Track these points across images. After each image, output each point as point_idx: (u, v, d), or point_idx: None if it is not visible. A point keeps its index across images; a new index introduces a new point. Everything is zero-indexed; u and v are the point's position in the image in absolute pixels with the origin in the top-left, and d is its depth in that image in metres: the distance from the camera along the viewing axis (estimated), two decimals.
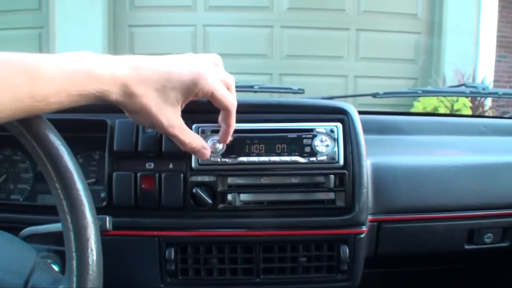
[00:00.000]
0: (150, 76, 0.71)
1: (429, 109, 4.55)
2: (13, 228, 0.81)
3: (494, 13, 5.36)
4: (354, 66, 5.18)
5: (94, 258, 0.65)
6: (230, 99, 0.80)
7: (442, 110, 4.48)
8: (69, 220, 0.65)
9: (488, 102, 4.76)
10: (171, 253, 0.97)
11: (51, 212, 0.99)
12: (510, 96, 1.45)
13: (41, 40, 5.20)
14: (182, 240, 0.97)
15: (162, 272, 0.98)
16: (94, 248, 0.65)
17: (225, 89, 0.79)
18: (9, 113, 0.58)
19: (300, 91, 1.41)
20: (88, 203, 0.66)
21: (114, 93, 0.68)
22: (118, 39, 5.19)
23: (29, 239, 0.85)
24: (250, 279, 1.00)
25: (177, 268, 0.98)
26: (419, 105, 4.57)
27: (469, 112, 4.53)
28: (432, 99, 4.44)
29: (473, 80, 4.88)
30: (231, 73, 0.82)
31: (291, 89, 1.41)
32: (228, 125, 0.85)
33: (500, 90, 1.42)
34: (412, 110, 4.65)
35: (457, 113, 4.44)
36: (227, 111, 0.82)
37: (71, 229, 0.65)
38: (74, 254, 0.65)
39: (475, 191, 1.13)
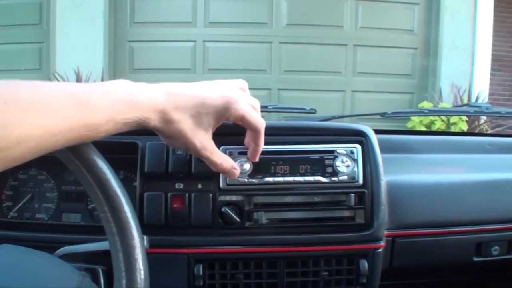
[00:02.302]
0: (186, 102, 0.74)
1: (425, 122, 4.61)
2: (39, 247, 0.83)
3: (489, 29, 5.44)
4: (351, 81, 5.25)
5: (143, 277, 0.68)
6: (260, 120, 0.84)
7: (438, 123, 4.55)
8: (118, 241, 0.68)
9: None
10: (199, 269, 1.00)
11: (75, 231, 1.04)
12: None
13: (41, 55, 5.23)
14: (210, 256, 1.01)
15: (190, 287, 1.02)
16: (142, 268, 0.68)
17: (254, 111, 0.83)
18: (64, 142, 0.61)
19: (313, 111, 1.46)
20: (136, 224, 0.69)
21: (154, 120, 0.71)
22: (118, 54, 5.23)
23: (62, 258, 0.89)
24: None
25: (205, 283, 1.02)
26: (416, 119, 4.63)
27: (465, 125, 4.60)
28: None
29: (469, 94, 4.95)
30: None
31: (304, 109, 1.46)
32: (257, 144, 0.89)
33: (503, 109, 1.47)
34: (409, 123, 4.71)
35: (453, 125, 4.50)
36: (257, 131, 0.85)
37: (120, 250, 0.68)
38: (123, 273, 0.67)
39: (483, 206, 1.18)
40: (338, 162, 1.01)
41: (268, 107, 1.42)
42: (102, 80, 4.43)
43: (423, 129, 4.61)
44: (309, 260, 1.03)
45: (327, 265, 1.04)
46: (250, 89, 0.90)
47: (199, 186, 0.99)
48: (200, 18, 5.14)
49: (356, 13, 5.24)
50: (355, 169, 1.01)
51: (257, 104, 0.86)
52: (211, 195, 0.99)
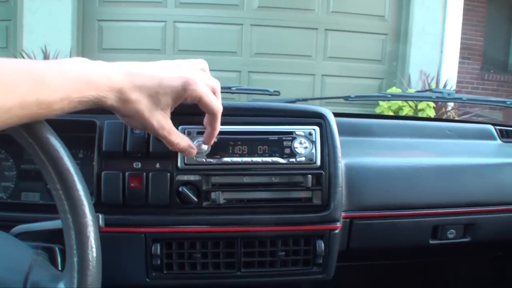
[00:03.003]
0: (144, 82, 0.74)
1: (394, 108, 4.66)
2: None
3: (459, 17, 5.50)
4: (321, 65, 5.26)
5: (94, 255, 0.68)
6: (217, 104, 0.84)
7: (406, 109, 4.60)
8: (70, 219, 0.68)
9: (451, 103, 4.89)
10: (157, 248, 1.00)
11: (35, 209, 1.03)
12: (474, 102, 1.53)
13: (8, 33, 5.12)
14: (168, 236, 1.01)
15: (147, 266, 1.02)
16: (94, 246, 0.68)
17: (212, 95, 0.83)
18: (16, 119, 0.60)
19: (276, 93, 1.46)
20: (88, 202, 0.69)
21: (110, 99, 0.71)
22: (87, 34, 5.15)
23: (19, 236, 0.87)
24: (232, 273, 1.04)
25: (162, 263, 1.02)
26: (384, 104, 4.67)
27: (433, 112, 4.66)
28: None
29: (437, 81, 5.01)
30: None
31: (267, 91, 1.46)
32: (213, 128, 0.89)
33: (464, 96, 1.50)
34: (377, 108, 4.76)
35: (421, 112, 4.56)
36: (213, 115, 0.86)
37: (72, 227, 0.68)
38: (75, 251, 0.67)
39: (439, 190, 1.20)
40: (296, 144, 1.01)
41: (232, 88, 1.42)
42: None
43: (391, 114, 4.66)
44: (267, 240, 1.04)
45: (285, 245, 1.05)
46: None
47: (157, 165, 0.99)
48: None
49: None
50: (313, 150, 1.02)
51: (217, 85, 0.86)
52: (168, 174, 0.98)
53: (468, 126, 1.52)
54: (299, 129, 1.02)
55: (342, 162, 1.07)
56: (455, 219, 1.23)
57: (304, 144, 1.02)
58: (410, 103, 4.54)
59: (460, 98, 1.52)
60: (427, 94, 1.51)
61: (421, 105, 4.61)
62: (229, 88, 1.42)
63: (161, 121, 0.78)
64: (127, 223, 1.00)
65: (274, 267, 1.06)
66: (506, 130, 1.53)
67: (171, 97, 0.77)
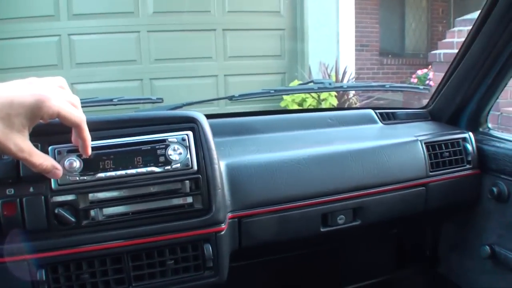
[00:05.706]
0: None
1: (297, 100, 4.78)
2: None
3: (352, 6, 5.69)
4: (223, 66, 5.29)
5: None
6: (78, 115, 0.81)
7: (309, 100, 4.72)
8: None
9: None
10: (42, 274, 0.97)
11: None
12: (354, 88, 1.59)
13: None
14: (52, 260, 0.98)
15: None
16: None
17: (70, 107, 0.79)
18: None
19: (159, 101, 1.45)
20: None
21: None
22: None
23: None
24: None
25: None
26: (288, 98, 4.77)
27: (335, 100, 4.81)
28: None
29: (337, 70, 5.16)
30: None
31: (150, 99, 1.46)
32: (83, 139, 0.86)
33: (345, 84, 1.58)
34: (282, 102, 4.85)
35: (324, 101, 4.70)
36: (77, 127, 0.83)
37: None
38: None
39: (324, 179, 1.25)
40: (170, 151, 1.02)
41: (114, 100, 1.40)
42: None
43: (296, 107, 4.77)
44: (153, 251, 1.04)
45: (173, 253, 1.05)
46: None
47: (31, 189, 0.96)
48: (63, 11, 4.89)
49: None
50: (188, 156, 1.03)
51: (77, 101, 0.83)
52: (43, 197, 0.96)
53: (350, 113, 1.58)
54: (172, 136, 1.03)
55: (221, 163, 1.08)
56: (343, 204, 1.28)
57: (178, 151, 1.02)
58: (313, 94, 4.65)
59: (341, 87, 1.59)
60: (310, 85, 1.56)
61: (324, 95, 4.74)
62: (111, 100, 1.40)
63: (19, 143, 0.75)
64: (7, 252, 0.96)
65: (165, 277, 1.06)
66: (387, 113, 1.60)
67: (25, 117, 0.74)
